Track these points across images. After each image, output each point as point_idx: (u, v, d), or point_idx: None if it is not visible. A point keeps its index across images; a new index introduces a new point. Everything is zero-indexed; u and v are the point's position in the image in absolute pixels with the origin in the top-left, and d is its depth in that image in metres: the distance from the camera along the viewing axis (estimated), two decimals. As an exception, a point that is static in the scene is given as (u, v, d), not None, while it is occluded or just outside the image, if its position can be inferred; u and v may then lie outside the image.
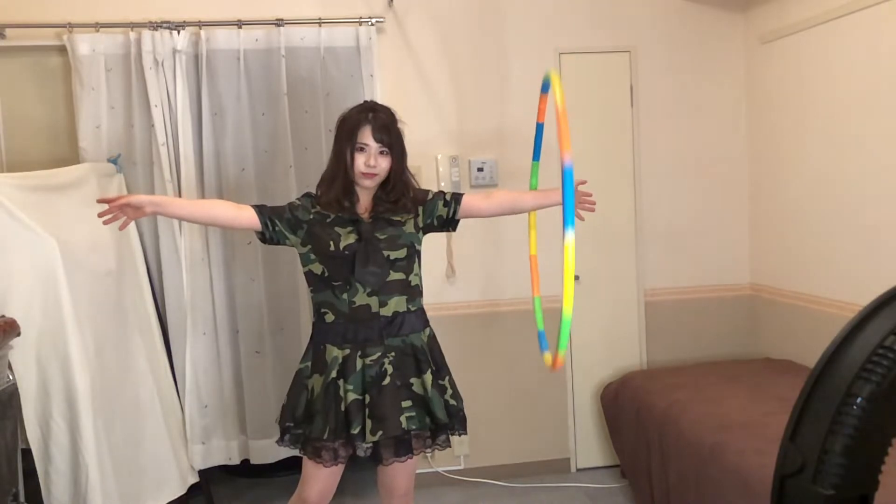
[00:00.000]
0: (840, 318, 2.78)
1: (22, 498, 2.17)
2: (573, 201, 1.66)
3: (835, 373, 0.81)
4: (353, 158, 2.09)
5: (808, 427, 0.82)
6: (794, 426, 0.83)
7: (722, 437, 2.46)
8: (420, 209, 2.19)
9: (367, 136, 2.08)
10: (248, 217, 2.10)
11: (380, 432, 2.01)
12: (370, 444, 2.03)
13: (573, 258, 1.65)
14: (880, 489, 0.83)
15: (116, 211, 1.95)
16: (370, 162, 2.07)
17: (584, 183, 2.32)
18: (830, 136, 2.99)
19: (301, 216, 2.12)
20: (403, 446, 2.09)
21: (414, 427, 2.07)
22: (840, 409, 0.79)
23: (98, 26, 3.01)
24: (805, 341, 3.21)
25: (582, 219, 2.32)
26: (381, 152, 2.09)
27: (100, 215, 1.95)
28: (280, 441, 2.15)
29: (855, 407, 0.78)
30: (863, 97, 2.80)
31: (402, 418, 2.04)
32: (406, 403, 2.06)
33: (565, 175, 1.65)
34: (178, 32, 3.01)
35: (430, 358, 2.13)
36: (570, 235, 1.64)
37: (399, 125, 2.14)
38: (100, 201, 1.97)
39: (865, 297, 0.87)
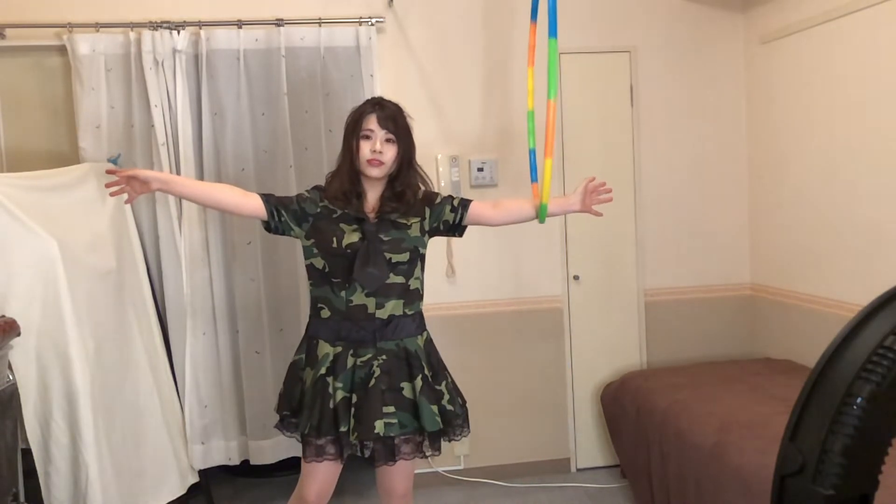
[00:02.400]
0: (840, 318, 2.79)
1: (22, 498, 2.17)
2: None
3: (835, 373, 0.81)
4: (358, 146, 2.09)
5: (808, 427, 0.82)
6: (794, 426, 0.83)
7: (722, 437, 2.46)
8: (428, 211, 2.18)
9: (372, 123, 2.09)
10: (254, 205, 2.09)
11: (356, 434, 2.01)
12: (356, 443, 2.04)
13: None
14: (880, 489, 0.83)
15: (123, 183, 1.98)
16: (375, 147, 2.07)
17: (593, 179, 2.27)
18: (830, 135, 2.99)
19: (308, 209, 2.12)
20: (387, 451, 2.08)
21: (393, 433, 2.04)
22: (840, 409, 0.79)
23: (98, 26, 3.01)
24: (805, 341, 3.21)
25: (600, 214, 2.30)
26: (388, 140, 2.09)
27: (107, 186, 1.99)
28: (279, 427, 2.17)
29: (855, 407, 0.78)
30: (863, 97, 2.80)
31: (379, 423, 2.01)
32: (388, 409, 2.03)
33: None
34: (178, 32, 3.01)
35: (423, 363, 2.11)
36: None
37: (408, 120, 2.15)
38: (109, 172, 2.01)
39: (865, 297, 0.87)
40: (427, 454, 2.13)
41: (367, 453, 2.07)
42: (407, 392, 2.07)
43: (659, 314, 3.55)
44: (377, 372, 2.04)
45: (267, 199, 2.11)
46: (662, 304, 3.56)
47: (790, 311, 3.32)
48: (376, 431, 2.00)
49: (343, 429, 2.01)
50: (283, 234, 2.15)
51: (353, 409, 2.02)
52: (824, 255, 3.08)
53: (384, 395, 2.04)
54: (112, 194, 2.03)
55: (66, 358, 2.30)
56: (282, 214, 2.10)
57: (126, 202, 2.08)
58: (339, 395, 2.03)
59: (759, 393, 2.82)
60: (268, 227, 2.13)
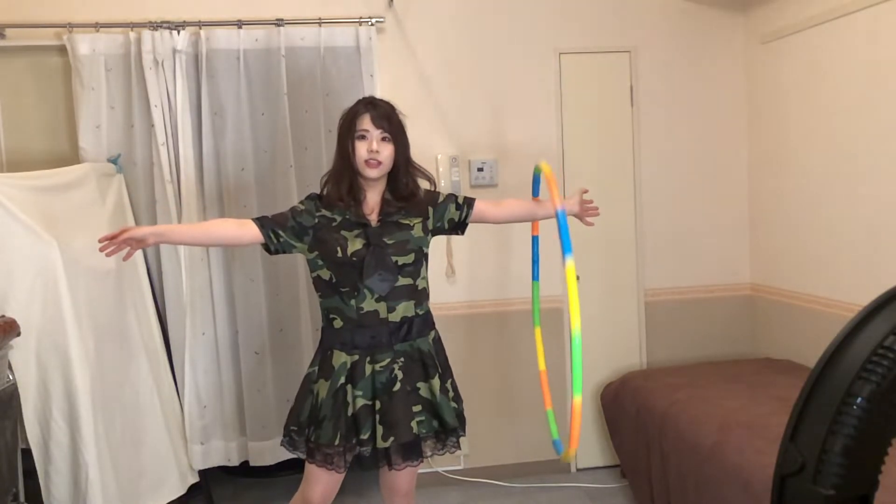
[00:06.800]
0: (840, 318, 2.79)
1: (22, 498, 2.17)
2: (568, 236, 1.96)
3: (835, 373, 0.81)
4: (354, 148, 2.08)
5: (808, 427, 0.82)
6: (794, 426, 0.83)
7: (722, 437, 2.46)
8: (431, 210, 2.18)
9: (366, 123, 2.08)
10: (250, 233, 2.06)
11: (391, 438, 2.01)
12: (371, 447, 2.03)
13: (574, 275, 1.94)
14: (880, 489, 0.83)
15: (120, 244, 1.93)
16: (372, 147, 2.06)
17: (586, 192, 2.41)
18: (830, 135, 2.99)
19: (305, 222, 2.09)
20: (414, 451, 2.08)
21: (424, 431, 2.07)
22: (840, 409, 0.79)
23: (98, 26, 3.01)
24: (805, 341, 3.21)
25: (591, 224, 2.44)
26: (384, 138, 2.08)
27: (101, 249, 1.92)
28: (284, 443, 2.15)
29: (855, 407, 0.78)
30: (862, 97, 2.80)
31: (414, 423, 2.03)
32: (416, 408, 2.06)
33: (559, 217, 1.98)
34: (178, 32, 3.01)
35: (436, 362, 2.13)
36: (570, 260, 1.93)
37: (400, 117, 2.14)
38: (102, 240, 1.92)
39: (865, 297, 0.87)
40: (450, 451, 2.15)
41: (368, 452, 2.06)
42: (423, 392, 2.09)
43: (659, 314, 3.55)
44: (399, 375, 2.04)
45: (262, 223, 2.08)
46: (662, 304, 3.56)
47: (790, 311, 3.32)
48: (414, 432, 2.02)
49: (364, 435, 2.01)
50: (285, 253, 2.12)
51: (377, 416, 2.02)
52: (824, 255, 3.08)
53: (409, 395, 2.05)
54: (108, 254, 1.93)
55: (66, 358, 2.30)
56: (280, 235, 2.07)
57: (124, 259, 2.03)
58: (360, 402, 2.02)
59: (759, 393, 2.82)
60: (268, 249, 2.10)
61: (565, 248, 1.91)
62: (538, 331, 2.58)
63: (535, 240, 2.55)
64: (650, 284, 3.54)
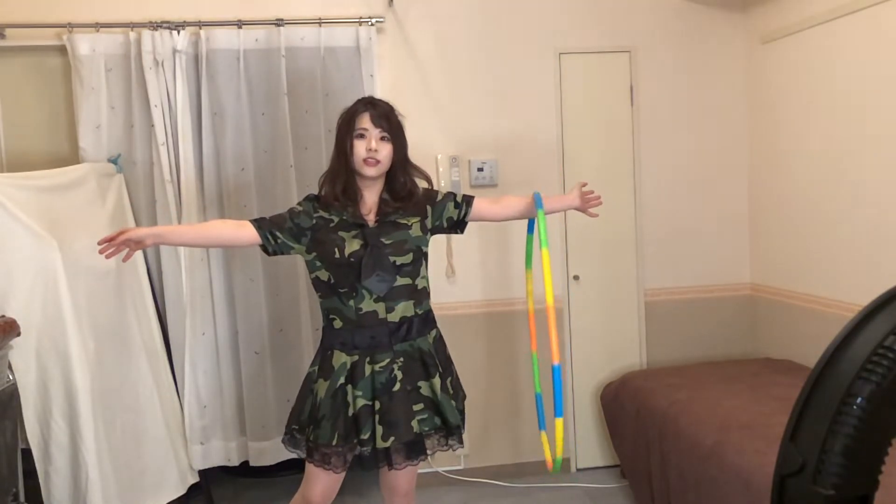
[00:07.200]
0: (840, 318, 2.79)
1: (22, 498, 2.17)
2: (561, 395, 1.99)
3: (835, 373, 0.81)
4: (352, 146, 2.08)
5: (808, 427, 0.82)
6: (794, 426, 0.83)
7: (722, 437, 2.46)
8: (429, 209, 2.18)
9: (366, 122, 2.08)
10: (248, 234, 2.07)
11: (392, 438, 2.01)
12: (371, 447, 2.03)
13: (562, 434, 2.04)
14: (880, 489, 0.83)
15: (119, 246, 1.93)
16: (370, 145, 2.06)
17: (585, 184, 2.39)
18: (830, 136, 2.99)
19: (303, 223, 2.10)
20: (416, 449, 2.09)
21: (426, 429, 2.07)
22: (840, 409, 0.79)
23: (98, 26, 3.01)
24: (805, 341, 3.21)
25: (595, 215, 2.40)
26: (382, 138, 2.09)
27: (101, 252, 1.92)
28: (284, 441, 2.16)
29: (855, 407, 0.78)
30: (863, 97, 2.80)
31: (414, 422, 2.04)
32: (417, 407, 2.07)
33: (554, 371, 1.97)
34: (178, 32, 3.01)
35: (437, 361, 2.13)
36: (560, 422, 2.00)
37: (399, 117, 2.14)
38: (101, 242, 1.93)
39: (865, 297, 0.87)
40: (452, 448, 2.15)
41: (368, 452, 2.06)
42: (425, 391, 2.09)
43: (659, 314, 3.55)
44: (399, 375, 2.05)
45: (259, 224, 2.08)
46: (662, 304, 3.56)
47: (790, 311, 3.32)
48: (416, 431, 2.03)
49: (364, 435, 2.01)
50: (283, 254, 2.12)
51: (377, 416, 2.02)
52: (824, 255, 3.08)
53: (410, 394, 2.05)
54: (107, 256, 1.93)
55: (66, 358, 2.30)
56: (277, 237, 2.07)
57: (123, 260, 2.02)
58: (360, 402, 2.03)
59: (759, 393, 2.82)
60: (266, 251, 2.10)
61: (558, 410, 1.97)
62: (529, 273, 2.47)
63: (530, 222, 2.47)
64: (650, 284, 3.54)
